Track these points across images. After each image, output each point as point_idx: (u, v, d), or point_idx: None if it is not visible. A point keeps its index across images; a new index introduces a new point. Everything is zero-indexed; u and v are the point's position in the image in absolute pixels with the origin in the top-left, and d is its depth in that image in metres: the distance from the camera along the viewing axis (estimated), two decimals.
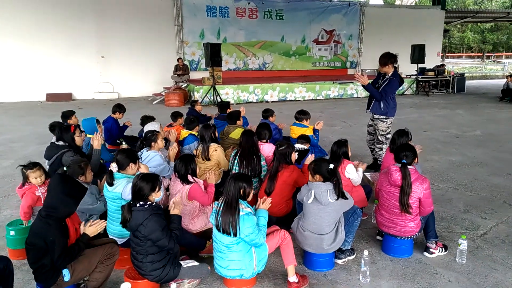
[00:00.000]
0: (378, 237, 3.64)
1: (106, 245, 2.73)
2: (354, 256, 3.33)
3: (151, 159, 3.94)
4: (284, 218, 3.66)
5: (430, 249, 3.35)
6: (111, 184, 3.13)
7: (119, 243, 3.02)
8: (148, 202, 2.70)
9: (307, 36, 16.70)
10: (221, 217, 2.69)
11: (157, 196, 2.76)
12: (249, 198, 2.83)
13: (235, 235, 2.66)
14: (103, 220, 2.76)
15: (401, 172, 3.15)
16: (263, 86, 13.08)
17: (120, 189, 3.09)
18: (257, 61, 16.22)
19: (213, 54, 11.52)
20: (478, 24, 33.20)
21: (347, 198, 3.05)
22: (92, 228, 2.65)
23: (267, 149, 4.44)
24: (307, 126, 5.36)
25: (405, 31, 17.19)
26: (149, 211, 2.64)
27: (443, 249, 3.39)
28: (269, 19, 16.00)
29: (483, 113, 10.85)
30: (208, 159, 4.33)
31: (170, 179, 3.72)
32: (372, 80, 5.37)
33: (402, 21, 17.72)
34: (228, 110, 5.92)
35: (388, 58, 5.06)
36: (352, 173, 3.78)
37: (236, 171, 3.99)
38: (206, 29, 15.05)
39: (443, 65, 16.35)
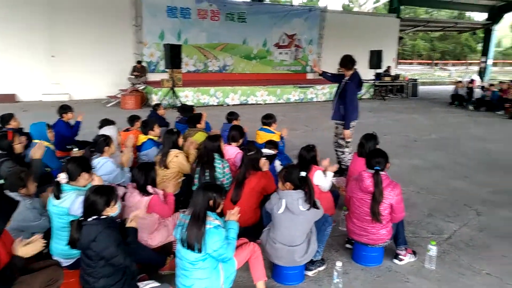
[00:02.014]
0: (348, 245, 3.53)
1: (48, 269, 2.36)
2: (324, 266, 3.19)
3: (102, 166, 3.60)
4: (252, 228, 3.46)
5: (400, 256, 3.29)
6: (57, 197, 2.77)
7: (64, 264, 2.67)
8: (102, 216, 2.40)
9: (268, 40, 16.67)
10: (187, 231, 2.44)
11: (112, 211, 2.46)
12: (219, 210, 2.61)
13: (200, 250, 2.42)
14: (40, 237, 2.33)
15: (374, 179, 3.06)
16: (224, 89, 12.87)
17: (68, 203, 2.72)
18: (218, 63, 15.97)
19: (173, 56, 11.18)
20: (428, 33, 34.94)
21: (319, 208, 2.91)
22: (26, 249, 2.22)
23: (230, 150, 4.26)
24: (274, 132, 5.22)
25: (363, 37, 17.61)
26: (102, 225, 2.34)
27: (413, 255, 3.34)
28: (231, 22, 15.80)
29: (436, 117, 11.27)
30: (167, 167, 4.03)
31: (125, 187, 3.40)
32: (332, 73, 5.45)
33: (361, 27, 18.17)
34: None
35: (347, 61, 5.04)
36: (321, 179, 3.67)
37: (197, 179, 3.76)
38: (166, 30, 14.58)
39: (389, 67, 16.92)
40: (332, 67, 6.08)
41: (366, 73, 15.90)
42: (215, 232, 2.45)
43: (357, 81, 5.11)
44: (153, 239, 3.07)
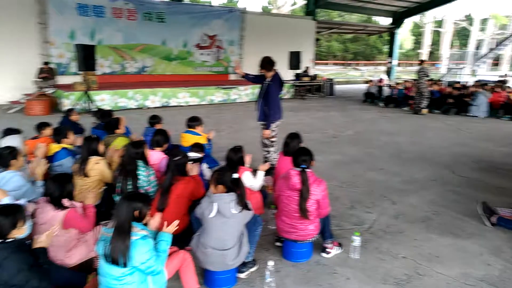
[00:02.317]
0: (277, 243, 3.58)
1: None
2: (256, 267, 3.19)
3: (8, 181, 3.20)
4: (181, 235, 3.34)
5: (327, 249, 3.42)
6: None
7: None
8: (8, 240, 2.13)
9: (189, 41, 16.38)
10: (111, 244, 2.26)
11: (20, 233, 2.19)
12: (146, 220, 2.46)
13: (125, 265, 2.26)
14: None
15: (301, 176, 3.14)
16: (143, 91, 12.36)
17: None
18: (136, 64, 15.29)
19: (86, 57, 10.42)
20: (342, 35, 37.29)
21: (250, 209, 2.90)
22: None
23: (155, 156, 4.09)
24: (201, 135, 5.12)
25: (282, 39, 18.15)
26: (8, 249, 2.07)
27: (339, 247, 3.50)
28: (150, 22, 15.21)
29: (352, 114, 12.03)
30: (87, 175, 3.73)
31: (36, 202, 3.07)
32: (255, 75, 5.47)
33: (280, 29, 18.70)
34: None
35: (266, 62, 5.13)
36: (250, 180, 3.68)
37: (119, 188, 3.54)
38: (77, 29, 13.53)
39: (307, 67, 17.73)
40: (254, 68, 6.15)
41: (286, 74, 16.46)
42: (142, 243, 2.31)
43: (278, 82, 5.22)
44: (71, 257, 2.80)
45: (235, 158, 3.76)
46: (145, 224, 2.48)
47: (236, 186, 2.89)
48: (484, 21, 39.82)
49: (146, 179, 3.65)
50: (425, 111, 11.80)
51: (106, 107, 10.01)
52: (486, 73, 26.30)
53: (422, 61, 12.18)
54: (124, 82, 13.88)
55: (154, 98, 12.55)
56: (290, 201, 3.23)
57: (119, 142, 4.59)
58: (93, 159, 3.77)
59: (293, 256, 3.35)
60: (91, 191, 3.27)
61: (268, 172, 5.40)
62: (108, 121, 5.19)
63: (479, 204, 4.11)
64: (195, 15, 16.30)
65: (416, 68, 11.93)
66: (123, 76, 14.87)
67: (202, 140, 4.97)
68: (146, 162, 3.73)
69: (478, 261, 3.32)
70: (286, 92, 15.64)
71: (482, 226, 3.95)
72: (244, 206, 2.84)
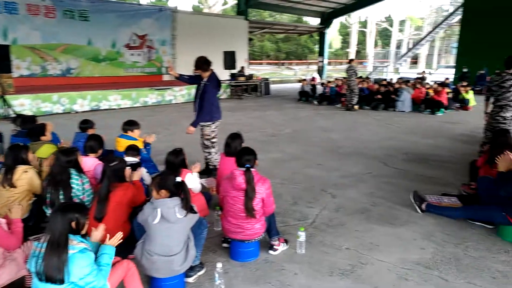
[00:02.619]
0: (224, 245, 3.53)
1: None
2: (204, 270, 3.11)
3: None
4: (123, 244, 3.13)
5: (274, 247, 3.43)
6: None
7: None
8: None
9: (117, 40, 15.65)
10: (44, 261, 2.05)
11: None
12: (84, 231, 2.27)
13: (61, 282, 2.06)
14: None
15: (245, 176, 3.11)
16: (70, 94, 11.58)
17: None
18: (60, 66, 14.27)
19: (0, 58, 9.53)
20: (274, 34, 38.08)
21: (196, 212, 2.81)
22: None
23: (89, 162, 3.83)
24: (137, 139, 4.87)
25: (216, 38, 18.06)
26: None
27: (285, 243, 3.53)
28: (72, 20, 14.26)
29: (288, 113, 12.30)
30: (13, 186, 3.38)
31: None
32: (189, 75, 5.38)
33: (213, 28, 18.59)
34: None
35: (202, 63, 5.04)
36: (193, 181, 3.58)
37: (49, 200, 3.25)
38: None
39: (243, 67, 17.88)
40: (188, 68, 6.01)
41: (222, 74, 16.43)
42: (80, 257, 2.13)
43: (215, 81, 5.15)
44: None
45: (176, 161, 3.63)
46: (83, 236, 2.29)
47: (179, 190, 2.79)
48: (402, 23, 43.09)
49: (80, 187, 3.42)
50: (356, 107, 12.42)
51: (27, 113, 9.23)
52: (407, 71, 28.44)
53: (351, 60, 12.81)
54: (47, 85, 12.91)
55: (82, 102, 11.82)
56: (236, 202, 3.19)
57: (45, 150, 4.24)
58: (21, 168, 3.43)
59: (241, 256, 3.32)
60: (21, 203, 2.95)
61: (210, 174, 5.34)
62: (31, 127, 4.75)
63: (411, 193, 4.39)
64: (123, 14, 15.62)
65: (345, 66, 12.53)
66: (45, 78, 13.82)
67: (139, 144, 4.74)
68: (79, 169, 3.48)
69: (413, 246, 3.54)
70: (223, 92, 15.59)
71: (415, 213, 4.22)
72: (189, 209, 2.75)
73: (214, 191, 4.42)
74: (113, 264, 2.48)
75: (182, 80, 5.29)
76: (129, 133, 4.90)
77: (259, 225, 3.25)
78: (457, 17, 22.34)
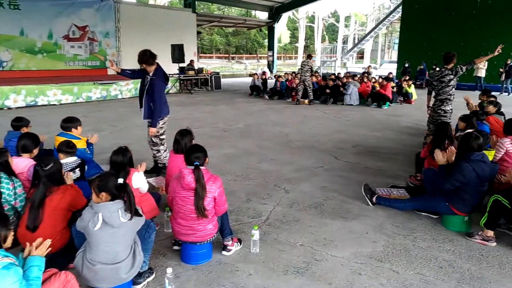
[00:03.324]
0: (175, 247, 3.35)
1: None
2: (153, 275, 2.93)
3: None
4: (60, 254, 2.87)
5: (228, 247, 3.31)
6: None
7: None
8: None
9: (54, 31, 14.61)
10: None
11: None
12: (8, 243, 2.02)
13: None
14: None
15: (194, 174, 2.95)
16: (2, 89, 10.65)
17: None
18: None
19: None
20: (223, 28, 37.71)
21: (141, 215, 2.62)
22: None
23: (22, 163, 3.50)
24: (79, 138, 4.51)
25: (163, 31, 17.48)
26: None
27: (239, 243, 3.42)
28: (0, 8, 13.09)
29: (240, 107, 12.20)
30: None
31: None
32: (132, 70, 5.11)
33: (160, 21, 17.96)
34: None
35: (147, 56, 4.76)
36: (141, 181, 3.36)
37: None
38: None
39: (192, 60, 17.50)
40: (134, 62, 5.67)
41: (170, 68, 15.97)
42: (5, 274, 1.89)
43: (162, 75, 4.91)
44: None
45: (121, 160, 3.37)
46: (7, 250, 2.03)
47: (122, 192, 2.57)
48: (347, 18, 44.46)
49: (11, 192, 3.13)
50: (306, 101, 12.58)
51: None
52: (354, 66, 29.39)
53: (309, 56, 12.94)
54: None
55: (16, 97, 10.93)
56: (186, 202, 3.02)
57: None
58: None
59: (193, 258, 3.16)
60: None
61: (160, 172, 5.10)
62: None
63: (362, 186, 4.46)
64: (59, 3, 14.58)
65: (294, 61, 12.62)
66: None
67: (80, 144, 4.40)
68: (9, 172, 3.14)
69: (365, 239, 3.58)
70: (172, 87, 15.15)
71: (366, 206, 4.29)
72: (134, 212, 2.55)
73: (163, 191, 4.22)
74: (49, 277, 2.25)
75: (125, 75, 4.99)
76: (72, 131, 4.53)
77: (211, 225, 3.11)
78: (398, 15, 23.38)
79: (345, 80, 13.63)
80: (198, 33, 23.01)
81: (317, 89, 13.53)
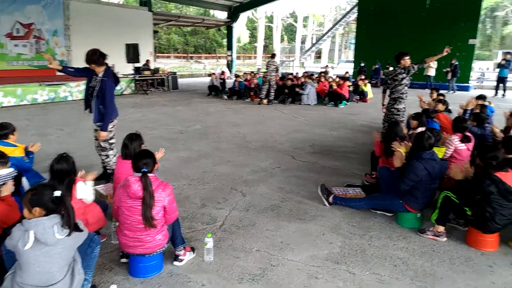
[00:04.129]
0: (123, 260, 3.14)
1: None
2: None
3: None
4: None
5: (180, 257, 3.15)
6: None
7: None
8: None
9: None
10: None
11: None
12: None
13: None
14: None
15: (142, 182, 2.76)
16: None
17: None
18: None
19: None
20: (181, 27, 37.03)
21: (82, 230, 2.39)
22: None
23: None
24: (16, 145, 4.14)
25: (117, 30, 16.78)
26: None
27: (192, 252, 3.26)
28: None
29: (198, 107, 11.95)
30: None
31: None
32: (76, 67, 4.82)
33: (114, 19, 17.19)
34: None
35: (96, 56, 4.47)
36: (85, 192, 3.11)
37: None
38: None
39: (148, 60, 16.92)
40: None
41: (125, 68, 15.42)
42: None
43: (112, 76, 4.64)
44: None
45: (63, 168, 3.09)
46: None
47: (59, 206, 2.33)
48: (305, 19, 45.13)
49: None
50: (265, 101, 12.54)
51: None
52: (312, 65, 29.84)
53: (273, 55, 12.87)
54: None
55: None
56: (133, 212, 2.82)
57: None
58: None
59: (141, 271, 2.96)
60: None
61: (109, 179, 4.81)
62: None
63: (319, 186, 4.43)
64: None
65: (254, 61, 12.55)
66: None
67: (18, 152, 4.05)
68: None
69: (321, 241, 3.53)
70: (127, 87, 14.62)
71: (322, 206, 4.26)
72: (73, 227, 2.32)
73: (112, 199, 3.95)
74: None
75: (67, 73, 4.69)
76: (5, 139, 4.15)
77: (161, 235, 2.93)
78: (354, 16, 23.98)
79: (303, 80, 13.73)
80: (155, 32, 22.40)
81: (275, 89, 13.54)
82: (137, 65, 15.15)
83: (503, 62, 14.56)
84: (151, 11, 19.83)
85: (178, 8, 36.23)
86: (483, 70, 23.87)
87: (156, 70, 16.56)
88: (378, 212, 4.10)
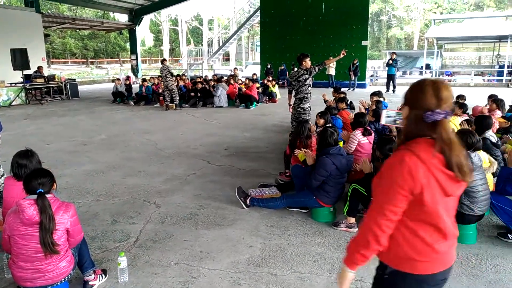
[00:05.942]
0: None
1: None
2: None
3: None
4: None
5: (90, 282, 2.86)
6: None
7: None
8: None
9: None
10: None
11: None
12: None
13: None
14: None
15: (38, 205, 2.42)
16: None
17: None
18: None
19: None
20: (78, 31, 34.33)
21: None
22: None
23: None
24: None
25: (1, 34, 14.97)
26: None
27: (103, 275, 2.98)
28: None
29: (102, 116, 11.16)
30: None
31: None
32: None
33: None
34: None
35: None
36: None
37: None
38: None
39: (40, 67, 15.39)
40: None
41: (12, 75, 13.82)
42: None
43: None
44: None
45: None
46: None
47: None
48: (210, 22, 45.22)
49: None
50: (171, 105, 12.20)
51: None
52: (221, 68, 29.97)
53: (163, 60, 12.49)
54: None
55: None
56: (29, 240, 2.47)
57: None
58: None
59: None
60: None
61: None
62: None
63: (236, 190, 4.39)
64: None
65: (160, 65, 12.14)
66: None
67: None
68: None
69: (242, 245, 3.49)
70: (16, 97, 13.08)
71: (241, 210, 4.23)
72: None
73: (2, 226, 3.45)
74: None
75: None
76: None
77: (65, 261, 2.61)
78: (258, 19, 24.62)
79: (212, 82, 13.67)
80: (46, 35, 20.45)
81: (185, 93, 13.27)
82: (27, 72, 13.64)
83: (390, 61, 16.23)
84: (40, 13, 18.07)
85: (72, 10, 33.54)
86: (375, 68, 26.28)
87: (51, 77, 15.09)
88: (295, 209, 4.20)
